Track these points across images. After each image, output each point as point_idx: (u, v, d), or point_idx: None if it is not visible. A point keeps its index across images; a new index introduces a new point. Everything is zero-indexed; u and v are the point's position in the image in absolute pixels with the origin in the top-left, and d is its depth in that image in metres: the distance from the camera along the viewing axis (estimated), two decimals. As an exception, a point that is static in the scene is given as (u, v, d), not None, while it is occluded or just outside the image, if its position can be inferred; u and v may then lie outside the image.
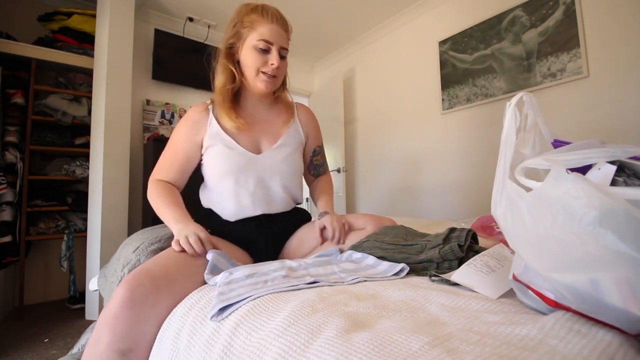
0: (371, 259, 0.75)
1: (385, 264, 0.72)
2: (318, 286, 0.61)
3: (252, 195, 0.93)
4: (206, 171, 0.96)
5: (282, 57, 0.91)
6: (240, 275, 0.65)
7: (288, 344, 0.40)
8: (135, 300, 0.59)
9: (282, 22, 0.90)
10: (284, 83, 1.02)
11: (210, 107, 0.96)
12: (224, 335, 0.48)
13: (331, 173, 3.39)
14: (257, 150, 0.95)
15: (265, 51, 0.88)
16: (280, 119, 1.01)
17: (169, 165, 0.94)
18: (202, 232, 0.78)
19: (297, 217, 1.05)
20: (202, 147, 0.94)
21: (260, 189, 0.94)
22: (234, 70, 0.92)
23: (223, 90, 0.92)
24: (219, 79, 0.94)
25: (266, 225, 0.96)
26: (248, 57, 0.89)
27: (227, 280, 0.63)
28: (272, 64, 0.88)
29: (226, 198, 0.93)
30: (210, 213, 0.99)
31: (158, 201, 0.88)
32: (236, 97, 0.97)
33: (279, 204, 0.97)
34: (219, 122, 0.93)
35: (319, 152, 1.11)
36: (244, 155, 0.91)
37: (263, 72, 0.90)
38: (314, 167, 1.10)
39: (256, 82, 0.91)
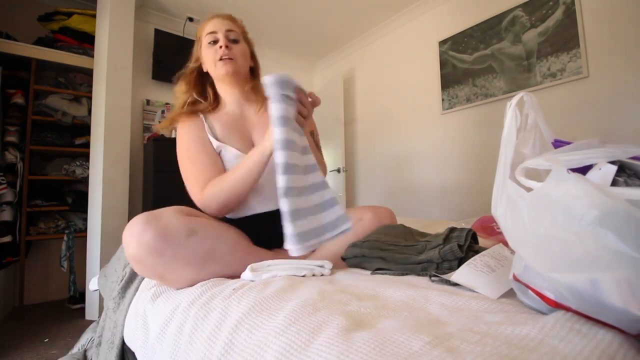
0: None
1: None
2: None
3: (253, 194, 0.92)
4: None
5: (234, 41, 0.93)
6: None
7: (289, 342, 0.40)
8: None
9: (223, 15, 0.95)
10: (256, 72, 1.03)
11: (200, 115, 0.95)
12: (225, 332, 0.48)
13: (331, 173, 3.37)
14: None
15: (215, 42, 0.92)
16: (265, 115, 1.00)
17: (200, 168, 0.85)
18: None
19: None
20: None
21: (260, 187, 0.93)
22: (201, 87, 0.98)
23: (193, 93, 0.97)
24: (184, 98, 0.98)
25: (268, 222, 0.94)
26: (205, 56, 0.94)
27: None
28: (220, 47, 0.91)
29: None
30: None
31: (223, 183, 0.80)
32: (216, 103, 1.00)
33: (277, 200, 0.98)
34: (211, 130, 0.94)
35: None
36: (241, 158, 0.91)
37: (219, 60, 0.91)
38: None
39: (218, 72, 0.92)
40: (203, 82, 0.99)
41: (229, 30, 0.93)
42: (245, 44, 0.97)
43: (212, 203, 0.82)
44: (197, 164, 0.87)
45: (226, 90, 0.98)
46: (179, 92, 1.00)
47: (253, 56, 1.02)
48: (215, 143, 0.91)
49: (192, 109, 0.96)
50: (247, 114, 1.00)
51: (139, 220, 0.65)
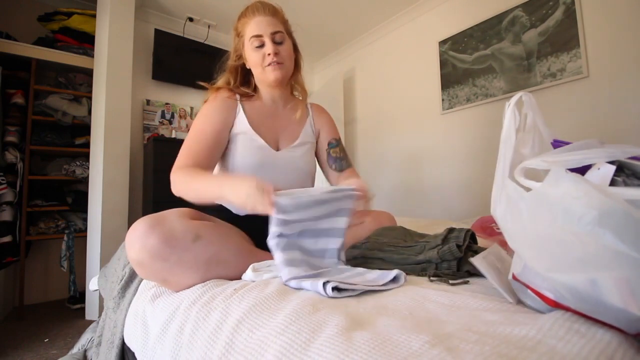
0: (360, 269, 0.69)
1: (375, 272, 0.65)
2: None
3: None
4: (225, 163, 0.95)
5: (279, 43, 0.91)
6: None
7: (289, 341, 0.40)
8: None
9: (265, 10, 0.91)
10: (298, 62, 1.03)
11: (237, 97, 0.97)
12: (225, 332, 0.48)
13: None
14: (276, 147, 0.97)
15: (261, 46, 0.90)
16: (296, 117, 1.04)
17: (196, 148, 0.84)
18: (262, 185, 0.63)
19: None
20: (230, 131, 0.92)
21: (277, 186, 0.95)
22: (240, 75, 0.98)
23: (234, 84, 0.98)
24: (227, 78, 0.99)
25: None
26: (250, 59, 0.93)
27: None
28: (269, 54, 0.89)
29: None
30: (220, 208, 0.97)
31: (189, 181, 0.77)
32: (255, 91, 1.01)
33: None
34: (244, 114, 0.95)
35: (335, 144, 1.08)
36: (266, 151, 0.93)
37: (268, 65, 0.91)
38: (334, 160, 1.06)
39: (267, 76, 0.92)
40: (245, 73, 1.00)
41: (274, 33, 0.90)
42: (289, 39, 0.96)
43: (173, 186, 0.82)
44: (190, 145, 0.86)
45: (266, 88, 0.99)
46: (222, 84, 1.00)
47: (296, 48, 1.01)
48: (245, 127, 0.92)
49: (234, 89, 0.98)
50: (279, 110, 1.03)
51: (143, 223, 0.63)
